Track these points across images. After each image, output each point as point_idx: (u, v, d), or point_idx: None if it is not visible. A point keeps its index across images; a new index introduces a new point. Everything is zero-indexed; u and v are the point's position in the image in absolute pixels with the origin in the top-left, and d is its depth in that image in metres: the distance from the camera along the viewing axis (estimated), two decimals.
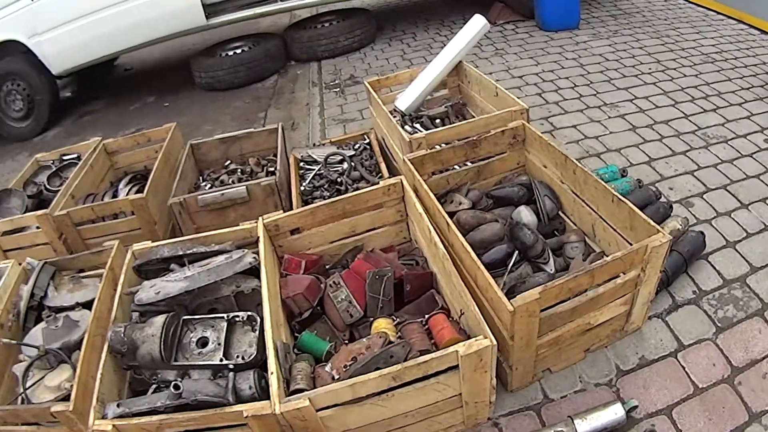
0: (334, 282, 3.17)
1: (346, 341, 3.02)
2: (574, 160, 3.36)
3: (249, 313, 2.73)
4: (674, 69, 6.58)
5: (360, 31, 8.21)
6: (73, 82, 9.09)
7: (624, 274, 2.69)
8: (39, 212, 3.93)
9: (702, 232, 3.66)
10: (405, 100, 4.74)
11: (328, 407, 2.33)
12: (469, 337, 2.45)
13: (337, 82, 7.28)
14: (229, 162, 5.01)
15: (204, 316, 2.74)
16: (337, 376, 2.57)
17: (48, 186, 4.77)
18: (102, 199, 4.41)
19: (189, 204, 4.10)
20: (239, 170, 4.83)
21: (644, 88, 6.20)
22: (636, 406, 2.76)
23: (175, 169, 4.67)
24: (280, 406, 2.23)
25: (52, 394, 2.74)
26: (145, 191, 4.10)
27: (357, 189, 4.05)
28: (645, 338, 3.13)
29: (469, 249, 2.82)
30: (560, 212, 3.64)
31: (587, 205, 3.29)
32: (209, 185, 4.63)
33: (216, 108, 7.53)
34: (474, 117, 4.73)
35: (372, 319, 3.06)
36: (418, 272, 3.24)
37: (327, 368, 2.67)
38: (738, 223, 3.99)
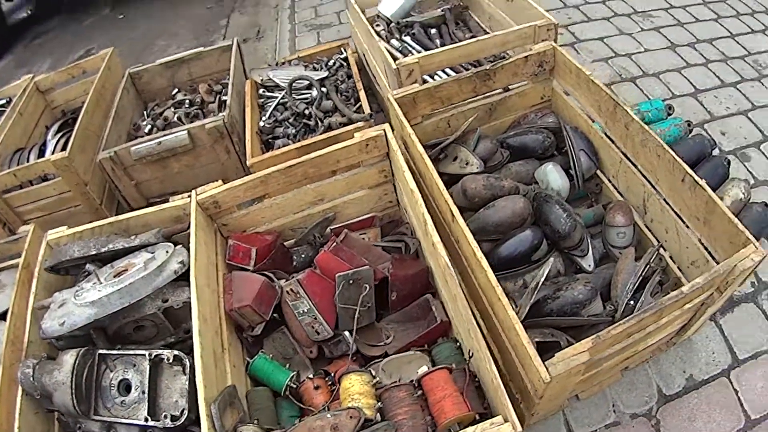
0: (291, 290, 2.39)
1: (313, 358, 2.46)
2: (629, 111, 2.47)
3: (175, 352, 2.14)
4: None
5: None
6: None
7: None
8: None
9: (767, 205, 2.96)
10: (390, 4, 3.80)
11: None
12: (485, 409, 1.97)
13: None
14: (176, 91, 4.17)
15: (123, 352, 2.21)
16: None
17: None
18: (28, 157, 3.68)
19: (122, 157, 3.36)
20: (187, 101, 3.99)
21: None
22: None
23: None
24: None
25: None
26: (69, 147, 3.31)
27: (329, 126, 3.31)
28: (695, 350, 2.65)
29: (485, 265, 1.98)
30: (598, 170, 2.84)
31: (641, 173, 2.53)
32: (150, 126, 3.81)
33: (174, 17, 6.59)
34: (478, 23, 3.97)
35: (340, 354, 2.41)
36: (408, 271, 2.45)
37: None
38: None
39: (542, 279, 2.14)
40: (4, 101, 4.22)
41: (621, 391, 2.48)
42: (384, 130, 2.53)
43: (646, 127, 2.38)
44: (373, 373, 2.12)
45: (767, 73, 4.25)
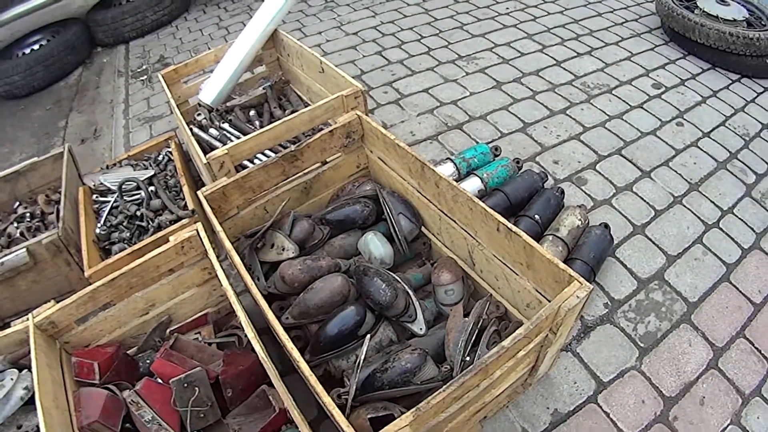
0: (132, 400, 2.34)
1: None
2: (436, 170, 2.50)
3: None
4: (535, 6, 5.94)
5: (169, 0, 7.06)
6: None
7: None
8: None
9: (606, 225, 3.07)
10: (210, 90, 3.75)
11: None
12: None
13: (144, 67, 6.14)
14: (17, 204, 3.97)
15: None
16: None
17: None
18: None
19: None
20: (28, 215, 3.81)
21: (504, 32, 5.48)
22: None
23: None
24: None
25: None
26: None
27: (159, 225, 3.24)
28: (555, 384, 2.58)
29: (297, 356, 1.94)
30: (423, 227, 2.85)
31: (461, 227, 2.53)
32: None
33: (15, 122, 6.33)
34: (300, 96, 3.99)
35: None
36: (239, 366, 2.40)
37: None
38: (642, 198, 3.44)
39: (362, 357, 2.12)
40: None
41: None
42: (197, 230, 2.48)
43: (453, 183, 2.39)
44: None
45: (595, 93, 4.39)
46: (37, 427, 2.17)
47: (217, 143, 3.38)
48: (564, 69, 4.74)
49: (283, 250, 2.66)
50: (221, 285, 2.27)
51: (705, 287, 2.94)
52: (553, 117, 4.17)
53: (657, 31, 5.30)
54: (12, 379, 2.28)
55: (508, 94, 4.46)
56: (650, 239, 3.19)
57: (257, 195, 2.80)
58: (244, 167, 2.88)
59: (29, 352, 2.31)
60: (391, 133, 2.69)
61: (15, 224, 3.73)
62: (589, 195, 3.47)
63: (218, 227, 2.46)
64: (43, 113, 6.25)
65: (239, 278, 2.66)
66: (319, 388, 1.82)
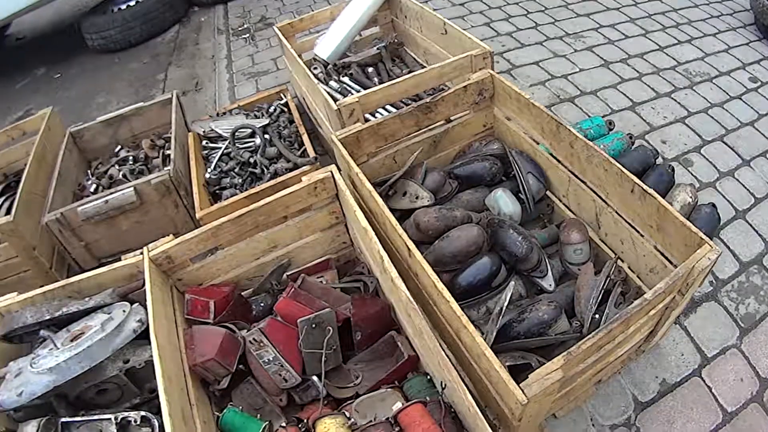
0: (254, 339, 2.28)
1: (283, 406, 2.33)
2: (572, 129, 2.50)
3: (142, 413, 2.06)
4: None
5: None
6: None
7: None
8: None
9: (714, 205, 3.08)
10: (326, 46, 3.80)
11: None
12: None
13: (246, 26, 6.30)
14: (119, 148, 4.02)
15: (87, 418, 2.09)
16: None
17: None
18: None
19: (69, 219, 3.21)
20: (131, 158, 3.84)
21: (607, 14, 5.48)
22: None
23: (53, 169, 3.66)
24: None
25: None
26: (13, 211, 3.14)
27: (276, 172, 3.26)
28: (664, 354, 2.61)
29: (448, 296, 1.95)
30: (548, 191, 2.86)
31: (591, 189, 2.54)
32: (95, 185, 3.65)
33: (111, 74, 6.40)
34: (415, 58, 3.99)
35: (315, 397, 2.29)
36: (370, 311, 2.38)
37: None
38: (743, 185, 3.43)
39: (506, 303, 2.12)
40: None
41: (597, 405, 2.45)
42: (331, 172, 2.49)
43: (590, 143, 2.39)
44: (347, 414, 2.05)
45: (698, 80, 4.37)
46: (145, 362, 2.17)
47: (337, 95, 3.42)
48: (667, 55, 4.73)
49: (417, 198, 2.68)
50: (359, 224, 2.24)
51: None
52: (659, 99, 4.17)
53: (751, 27, 5.23)
54: (124, 311, 2.24)
55: (616, 73, 4.48)
56: (750, 225, 3.19)
57: (388, 143, 2.83)
58: (366, 120, 2.90)
59: (138, 288, 2.34)
60: (524, 93, 2.70)
61: (117, 167, 3.77)
62: (695, 176, 3.47)
63: (356, 169, 2.48)
64: (140, 66, 6.33)
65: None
66: (471, 328, 1.83)
